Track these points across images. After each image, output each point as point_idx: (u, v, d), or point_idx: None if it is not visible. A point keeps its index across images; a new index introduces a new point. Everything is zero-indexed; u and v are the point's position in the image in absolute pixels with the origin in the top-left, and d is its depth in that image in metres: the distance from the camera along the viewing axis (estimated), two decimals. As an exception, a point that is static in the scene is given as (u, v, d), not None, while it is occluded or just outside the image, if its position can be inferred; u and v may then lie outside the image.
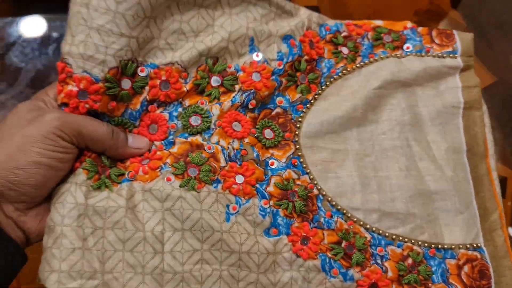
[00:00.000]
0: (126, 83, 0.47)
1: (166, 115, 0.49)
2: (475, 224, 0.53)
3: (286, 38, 0.55)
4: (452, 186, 0.53)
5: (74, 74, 0.44)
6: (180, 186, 0.46)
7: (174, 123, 0.49)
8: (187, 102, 0.50)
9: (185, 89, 0.50)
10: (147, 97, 0.48)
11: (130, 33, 0.45)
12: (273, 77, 0.53)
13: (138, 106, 0.48)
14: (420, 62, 0.58)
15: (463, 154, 0.56)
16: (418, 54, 0.59)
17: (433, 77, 0.58)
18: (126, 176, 0.46)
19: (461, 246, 0.52)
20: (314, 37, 0.57)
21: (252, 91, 0.51)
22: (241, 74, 0.52)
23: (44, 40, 0.63)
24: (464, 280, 0.50)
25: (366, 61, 0.58)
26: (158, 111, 0.49)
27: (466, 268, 0.51)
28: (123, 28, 0.45)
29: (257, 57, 0.53)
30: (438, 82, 0.58)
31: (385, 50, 0.59)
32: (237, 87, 0.52)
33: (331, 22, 0.60)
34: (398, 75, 0.56)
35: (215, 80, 0.51)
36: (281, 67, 0.54)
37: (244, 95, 0.51)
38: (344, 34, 0.59)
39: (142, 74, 0.48)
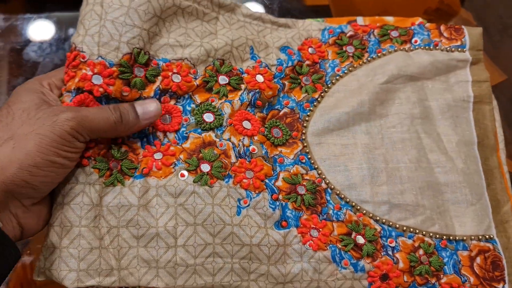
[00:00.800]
0: (139, 71, 0.48)
1: (180, 107, 0.50)
2: (487, 216, 0.52)
3: (284, 48, 0.57)
4: (462, 178, 0.52)
5: (89, 59, 0.45)
6: (194, 182, 0.46)
7: (188, 117, 0.50)
8: (198, 99, 0.51)
9: (195, 83, 0.50)
10: (160, 86, 0.49)
11: (142, 25, 0.47)
12: (275, 80, 0.54)
13: (151, 94, 0.48)
14: (429, 56, 0.57)
15: (474, 147, 0.55)
16: (426, 47, 0.58)
17: (441, 70, 0.57)
18: (140, 172, 0.46)
19: (473, 237, 0.50)
20: (314, 43, 0.58)
21: (257, 90, 0.52)
22: (245, 75, 0.53)
23: (61, 36, 0.63)
24: (477, 271, 0.49)
25: (374, 56, 0.58)
26: (171, 103, 0.49)
27: (478, 260, 0.49)
28: (136, 20, 0.47)
29: (259, 63, 0.54)
30: (447, 75, 0.57)
31: (393, 45, 0.58)
32: (243, 86, 0.52)
33: (335, 25, 0.59)
34: (405, 70, 0.55)
35: (222, 79, 0.52)
36: (281, 72, 0.55)
37: (250, 94, 0.52)
38: (349, 33, 0.59)
39: (154, 67, 0.49)
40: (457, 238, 0.50)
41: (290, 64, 0.56)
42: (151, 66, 0.48)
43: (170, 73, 0.49)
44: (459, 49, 0.58)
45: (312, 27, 0.59)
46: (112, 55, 0.46)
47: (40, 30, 0.63)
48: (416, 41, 0.58)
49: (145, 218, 0.44)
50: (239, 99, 0.51)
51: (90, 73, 0.45)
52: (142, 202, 0.45)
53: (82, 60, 0.45)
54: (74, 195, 0.43)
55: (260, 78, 0.53)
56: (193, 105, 0.50)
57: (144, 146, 0.48)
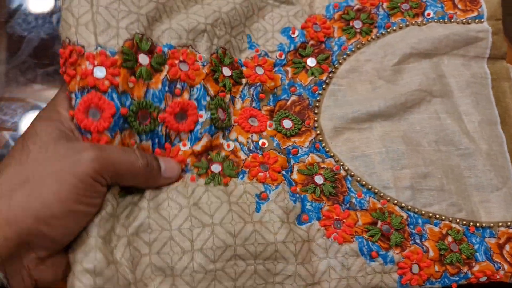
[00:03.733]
0: (143, 59, 0.40)
1: (194, 102, 0.42)
2: None
3: (285, 30, 0.50)
4: (487, 161, 0.47)
5: (86, 52, 0.37)
6: (206, 183, 0.40)
7: (202, 113, 0.42)
8: (211, 90, 0.43)
9: (203, 71, 0.43)
10: (168, 76, 0.41)
11: (138, 11, 0.41)
12: (276, 68, 0.49)
13: (159, 85, 0.41)
14: (443, 29, 0.51)
15: (497, 126, 0.49)
16: (441, 20, 0.52)
17: (459, 43, 0.51)
18: None
19: (500, 224, 0.45)
20: (319, 20, 0.51)
21: (258, 84, 0.47)
22: (244, 69, 0.47)
23: (48, 8, 0.56)
24: (508, 259, 0.44)
25: (383, 32, 0.51)
26: (185, 96, 0.42)
27: (507, 247, 0.44)
28: (131, 6, 0.40)
29: (257, 52, 0.48)
30: (466, 48, 0.51)
31: (404, 18, 0.52)
32: (243, 80, 0.47)
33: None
34: (417, 47, 0.49)
35: (226, 71, 0.45)
36: (282, 58, 0.49)
37: (251, 89, 0.47)
38: (356, 7, 0.52)
39: (159, 54, 0.41)
40: (483, 225, 0.45)
41: (292, 47, 0.49)
42: (156, 53, 0.41)
43: (176, 61, 0.42)
44: (476, 20, 0.52)
45: (316, 4, 0.52)
46: (112, 43, 0.38)
47: (26, 2, 0.55)
48: (429, 14, 0.52)
49: (157, 221, 0.38)
50: (240, 96, 0.46)
51: (90, 66, 0.37)
52: (152, 205, 0.39)
53: (80, 54, 0.37)
54: None
55: (260, 70, 0.47)
56: (208, 99, 0.43)
57: (155, 149, 0.41)
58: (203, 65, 0.43)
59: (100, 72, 0.37)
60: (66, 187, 0.33)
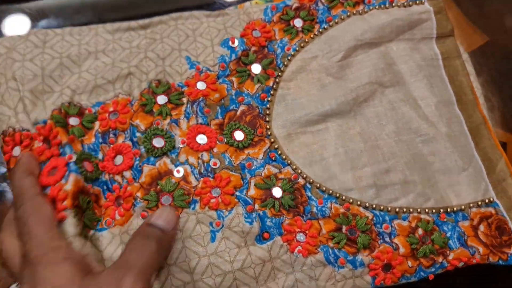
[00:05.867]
0: (74, 121, 0.43)
1: (129, 143, 0.43)
2: (482, 178, 0.45)
3: (225, 42, 0.48)
4: (449, 143, 0.45)
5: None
6: None
7: (138, 149, 0.43)
8: (141, 125, 0.44)
9: (131, 110, 0.44)
10: (99, 129, 0.43)
11: (60, 89, 0.44)
12: (220, 80, 0.47)
13: (92, 140, 0.43)
14: (386, 15, 0.49)
15: (453, 106, 0.47)
16: (382, 6, 0.50)
17: (404, 28, 0.49)
18: (104, 225, 0.39)
19: (471, 204, 0.43)
20: (258, 25, 0.49)
21: (200, 99, 0.45)
22: (185, 89, 0.46)
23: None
24: (484, 240, 0.42)
25: (325, 26, 0.49)
26: (120, 141, 0.43)
27: (482, 227, 0.42)
28: (52, 85, 0.44)
29: (199, 69, 0.47)
30: (412, 32, 0.49)
31: (345, 9, 0.50)
32: (184, 99, 0.45)
33: (277, 1, 0.51)
34: (362, 38, 0.48)
35: (161, 99, 0.45)
36: (225, 69, 0.47)
37: (194, 106, 0.45)
38: (294, 6, 0.50)
39: (90, 113, 0.44)
40: (455, 209, 0.43)
41: (234, 57, 0.47)
42: (86, 113, 0.44)
43: (107, 114, 0.44)
44: (417, 2, 0.50)
45: (253, 9, 0.50)
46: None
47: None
48: (369, 1, 0.50)
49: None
50: (184, 115, 0.45)
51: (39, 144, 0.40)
52: (106, 255, 0.38)
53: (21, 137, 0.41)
54: None
55: (201, 85, 0.46)
56: (138, 134, 0.43)
57: (106, 194, 0.41)
58: (132, 104, 0.45)
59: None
60: None
